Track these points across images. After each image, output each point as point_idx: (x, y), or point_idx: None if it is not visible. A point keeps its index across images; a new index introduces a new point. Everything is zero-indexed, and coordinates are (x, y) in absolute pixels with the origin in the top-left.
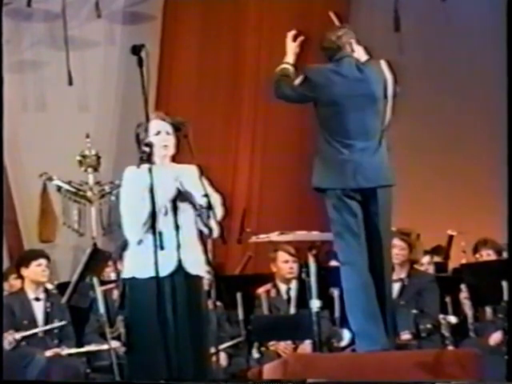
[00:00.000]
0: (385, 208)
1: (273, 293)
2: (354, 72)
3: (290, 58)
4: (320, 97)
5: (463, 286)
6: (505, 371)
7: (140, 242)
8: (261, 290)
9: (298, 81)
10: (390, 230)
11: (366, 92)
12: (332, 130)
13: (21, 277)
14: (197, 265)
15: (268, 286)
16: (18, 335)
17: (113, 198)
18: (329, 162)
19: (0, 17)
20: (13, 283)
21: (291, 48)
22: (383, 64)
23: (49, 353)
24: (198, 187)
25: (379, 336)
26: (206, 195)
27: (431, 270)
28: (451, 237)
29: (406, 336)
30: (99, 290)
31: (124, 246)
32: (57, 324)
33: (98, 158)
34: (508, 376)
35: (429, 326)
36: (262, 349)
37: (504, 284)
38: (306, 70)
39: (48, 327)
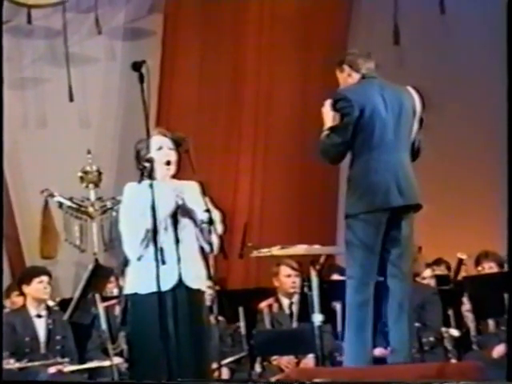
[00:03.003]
0: (411, 223)
1: (275, 307)
2: (387, 87)
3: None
4: (363, 110)
5: (465, 299)
6: None
7: (140, 258)
8: (263, 305)
9: (335, 122)
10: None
11: (401, 105)
12: (374, 144)
13: (23, 294)
14: (198, 279)
15: (270, 300)
16: (18, 364)
17: (114, 213)
18: (367, 184)
19: (0, 34)
20: (15, 300)
21: (329, 116)
22: (410, 88)
23: (51, 369)
24: (199, 203)
25: (364, 353)
26: (208, 210)
27: (433, 283)
28: (461, 260)
29: None
30: (101, 306)
31: (126, 261)
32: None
33: (100, 173)
34: (508, 376)
35: (431, 339)
36: (265, 363)
37: (506, 296)
38: (341, 91)
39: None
